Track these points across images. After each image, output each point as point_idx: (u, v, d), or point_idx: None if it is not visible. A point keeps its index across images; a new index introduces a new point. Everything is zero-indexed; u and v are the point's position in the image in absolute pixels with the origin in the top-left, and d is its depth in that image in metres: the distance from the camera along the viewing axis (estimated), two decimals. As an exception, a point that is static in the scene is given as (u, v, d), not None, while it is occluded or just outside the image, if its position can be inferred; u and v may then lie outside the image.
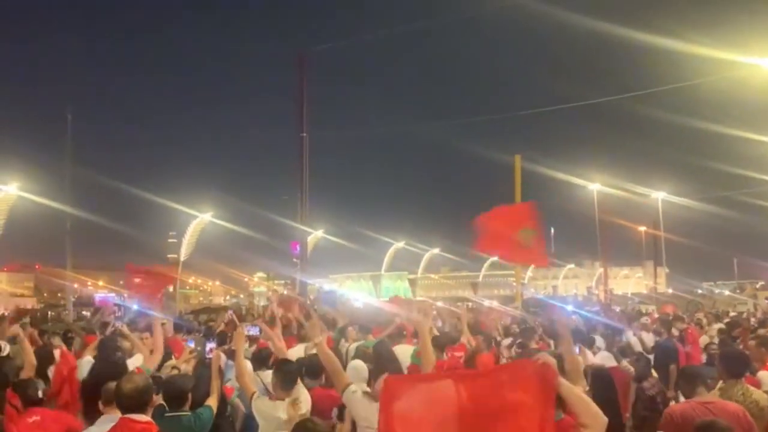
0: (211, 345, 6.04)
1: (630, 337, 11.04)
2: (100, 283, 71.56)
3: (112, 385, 4.51)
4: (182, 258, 50.96)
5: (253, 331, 8.01)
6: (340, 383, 4.91)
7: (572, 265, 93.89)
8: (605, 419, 3.30)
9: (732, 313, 20.23)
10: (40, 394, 5.37)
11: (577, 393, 3.49)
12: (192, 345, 7.44)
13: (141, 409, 4.20)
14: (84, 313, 29.35)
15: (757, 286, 43.07)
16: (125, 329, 7.75)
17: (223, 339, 8.54)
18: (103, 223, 42.83)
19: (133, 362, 6.48)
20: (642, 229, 54.31)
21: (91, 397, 5.15)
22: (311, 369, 6.07)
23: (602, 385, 6.77)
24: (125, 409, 4.18)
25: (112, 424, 4.25)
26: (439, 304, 21.32)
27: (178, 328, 10.60)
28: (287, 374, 5.35)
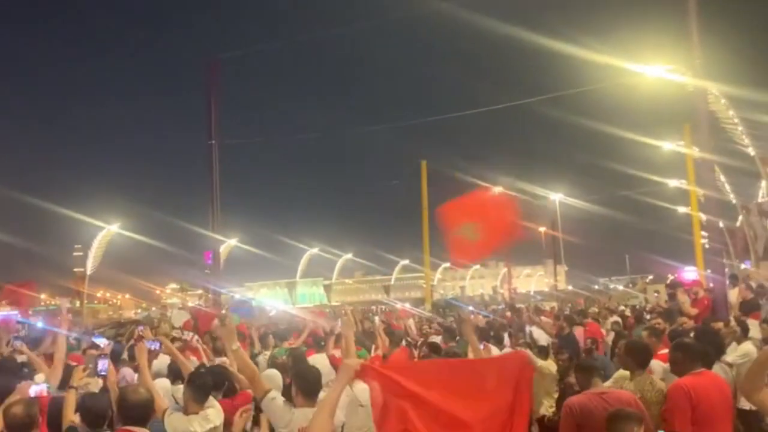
0: (103, 362, 5.76)
1: (535, 330, 11.43)
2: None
3: (16, 410, 4.23)
4: (89, 272, 48.72)
5: (153, 346, 7.75)
6: (259, 389, 4.82)
7: (478, 266, 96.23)
8: None
9: (621, 307, 21.26)
10: None
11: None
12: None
13: (144, 422, 4.17)
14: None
15: (647, 280, 45.41)
16: (24, 348, 7.39)
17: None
18: (2, 237, 40.28)
19: (37, 379, 6.09)
20: (542, 229, 56.28)
21: None
22: (217, 381, 5.91)
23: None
24: (128, 421, 4.11)
25: None
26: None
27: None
28: (200, 387, 5.23)
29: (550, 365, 8.34)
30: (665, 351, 6.37)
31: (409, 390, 3.74)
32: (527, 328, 12.04)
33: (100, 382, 5.98)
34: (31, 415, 4.24)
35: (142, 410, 4.18)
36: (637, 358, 5.61)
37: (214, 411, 5.15)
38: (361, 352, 7.65)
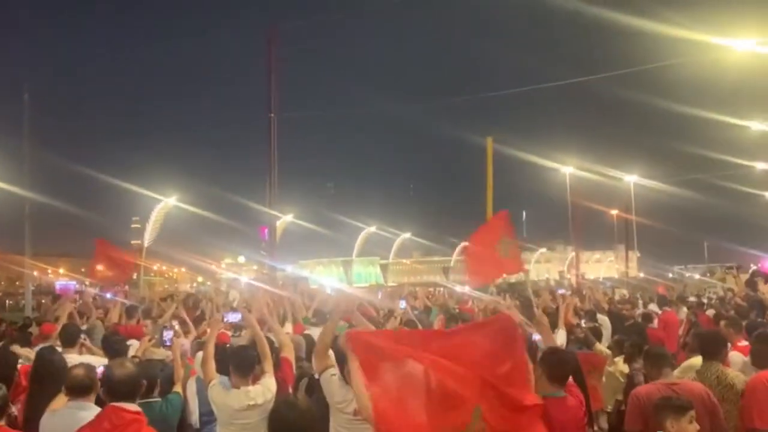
0: (168, 333, 6.02)
1: (603, 320, 11.25)
2: (61, 270, 70.48)
3: (78, 371, 4.51)
4: (146, 244, 50.28)
5: (233, 318, 7.94)
6: (321, 363, 4.99)
7: (544, 250, 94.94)
8: None
9: (691, 298, 20.70)
10: None
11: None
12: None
13: (131, 397, 4.13)
14: (43, 301, 28.97)
15: (732, 269, 44.02)
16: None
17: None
18: (64, 207, 41.98)
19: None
20: (614, 212, 55.06)
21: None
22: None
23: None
24: (115, 397, 4.08)
25: (87, 411, 4.23)
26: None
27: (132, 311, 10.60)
28: (242, 360, 5.34)
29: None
30: (745, 343, 6.23)
31: (399, 355, 3.74)
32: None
33: (164, 352, 6.26)
34: (92, 377, 4.55)
35: (128, 386, 4.13)
36: (706, 347, 5.51)
37: (258, 388, 5.18)
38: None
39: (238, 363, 5.34)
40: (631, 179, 45.80)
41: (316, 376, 5.44)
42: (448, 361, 3.75)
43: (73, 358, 6.26)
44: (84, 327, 8.88)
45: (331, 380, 4.92)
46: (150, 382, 4.87)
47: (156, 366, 5.21)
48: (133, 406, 4.09)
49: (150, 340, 6.45)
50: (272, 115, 21.85)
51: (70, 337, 6.99)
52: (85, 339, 7.16)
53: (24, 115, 25.99)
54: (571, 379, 4.70)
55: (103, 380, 4.27)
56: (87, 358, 6.39)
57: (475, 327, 4.82)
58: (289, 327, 8.52)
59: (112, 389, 4.10)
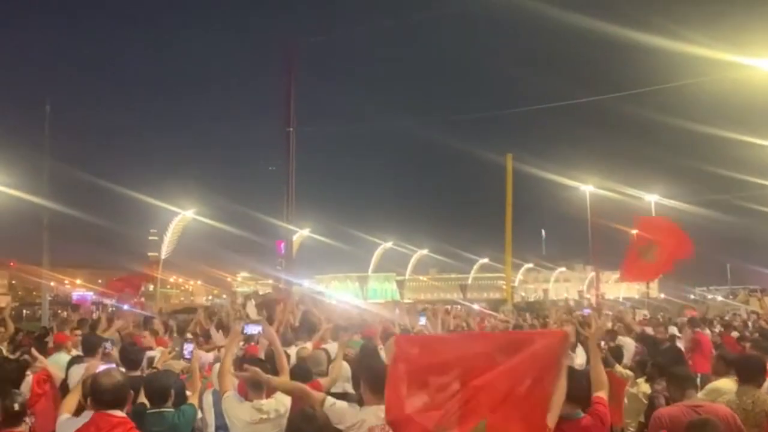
0: (189, 346, 6.06)
1: (624, 341, 11.09)
2: (78, 281, 71.10)
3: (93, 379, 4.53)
4: (163, 256, 50.71)
5: (252, 330, 7.94)
6: (315, 402, 4.78)
7: (563, 269, 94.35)
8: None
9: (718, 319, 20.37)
10: (16, 406, 4.82)
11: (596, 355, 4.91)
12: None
13: (118, 406, 4.20)
14: (60, 312, 29.23)
15: (756, 291, 43.37)
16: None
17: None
18: (82, 218, 42.38)
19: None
20: (634, 232, 54.55)
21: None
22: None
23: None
24: (101, 405, 4.18)
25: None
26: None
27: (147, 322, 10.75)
28: None
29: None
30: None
31: (438, 363, 3.73)
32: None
33: (183, 364, 6.28)
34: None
35: (115, 394, 4.18)
36: (746, 371, 5.42)
37: (271, 402, 5.14)
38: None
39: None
40: (652, 198, 45.41)
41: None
42: (484, 362, 3.71)
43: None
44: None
45: (333, 409, 4.68)
46: (163, 392, 4.90)
47: (171, 376, 5.22)
48: (119, 413, 4.17)
49: (170, 353, 6.48)
50: (291, 129, 21.97)
51: (91, 346, 7.08)
52: (110, 349, 7.18)
53: (44, 125, 26.32)
54: (602, 396, 4.60)
55: (91, 389, 4.37)
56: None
57: (525, 336, 4.78)
58: (308, 343, 8.51)
59: (99, 398, 4.20)
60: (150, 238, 78.31)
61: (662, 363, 7.99)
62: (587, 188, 42.47)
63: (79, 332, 9.03)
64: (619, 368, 8.18)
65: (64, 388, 6.31)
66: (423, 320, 11.73)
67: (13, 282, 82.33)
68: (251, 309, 17.65)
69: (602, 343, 9.79)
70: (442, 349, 3.91)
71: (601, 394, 4.63)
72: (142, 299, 18.79)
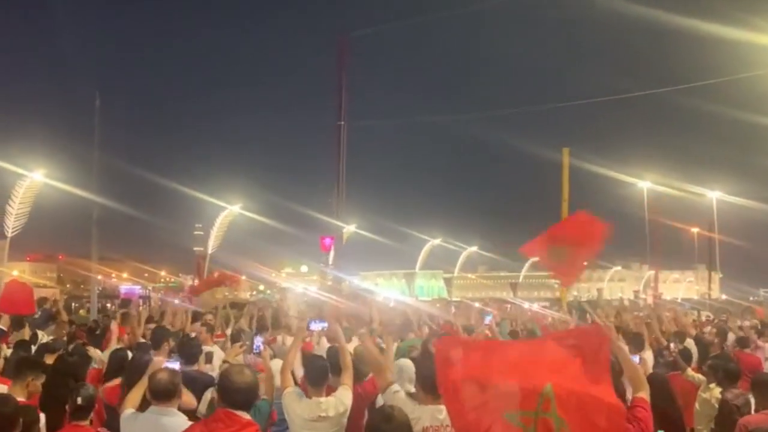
0: (259, 339, 6.15)
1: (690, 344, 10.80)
2: (125, 274, 72.82)
3: (162, 376, 4.60)
4: (209, 251, 51.47)
5: (318, 327, 8.00)
6: (383, 381, 4.95)
7: (619, 267, 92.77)
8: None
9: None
10: (79, 400, 4.77)
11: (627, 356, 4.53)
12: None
13: (246, 407, 4.06)
14: (108, 305, 29.96)
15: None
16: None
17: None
18: (129, 213, 43.36)
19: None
20: (695, 230, 53.32)
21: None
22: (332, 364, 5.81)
23: (658, 393, 6.62)
24: (232, 405, 4.00)
25: (170, 417, 4.37)
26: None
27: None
28: (314, 371, 5.36)
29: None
30: None
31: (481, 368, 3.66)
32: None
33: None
34: (175, 383, 4.62)
35: (247, 395, 4.05)
36: None
37: (331, 400, 5.18)
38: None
39: (310, 372, 5.38)
40: (714, 195, 44.26)
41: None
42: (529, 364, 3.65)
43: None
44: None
45: (394, 398, 4.79)
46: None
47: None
48: (246, 416, 4.03)
49: (241, 346, 6.57)
50: (342, 123, 22.02)
51: (158, 340, 7.23)
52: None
53: (94, 120, 26.79)
54: (643, 396, 4.31)
55: (220, 385, 4.23)
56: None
57: (564, 334, 4.71)
58: (355, 340, 8.54)
59: (230, 397, 4.02)
60: (195, 232, 79.75)
61: (734, 369, 7.78)
62: (645, 184, 41.69)
63: (150, 326, 9.21)
64: (690, 372, 7.99)
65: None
66: (489, 318, 11.60)
67: (61, 275, 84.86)
68: (293, 304, 17.86)
69: (671, 345, 9.56)
70: (490, 355, 3.84)
71: (643, 394, 4.20)
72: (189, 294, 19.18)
